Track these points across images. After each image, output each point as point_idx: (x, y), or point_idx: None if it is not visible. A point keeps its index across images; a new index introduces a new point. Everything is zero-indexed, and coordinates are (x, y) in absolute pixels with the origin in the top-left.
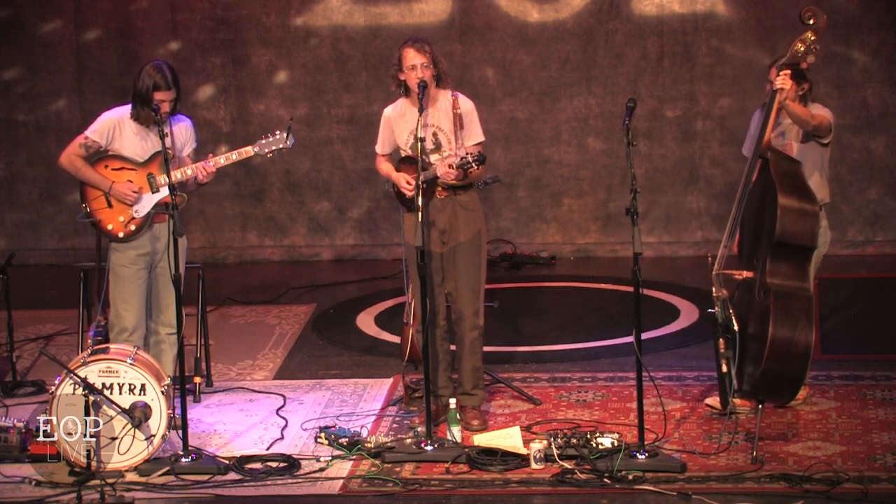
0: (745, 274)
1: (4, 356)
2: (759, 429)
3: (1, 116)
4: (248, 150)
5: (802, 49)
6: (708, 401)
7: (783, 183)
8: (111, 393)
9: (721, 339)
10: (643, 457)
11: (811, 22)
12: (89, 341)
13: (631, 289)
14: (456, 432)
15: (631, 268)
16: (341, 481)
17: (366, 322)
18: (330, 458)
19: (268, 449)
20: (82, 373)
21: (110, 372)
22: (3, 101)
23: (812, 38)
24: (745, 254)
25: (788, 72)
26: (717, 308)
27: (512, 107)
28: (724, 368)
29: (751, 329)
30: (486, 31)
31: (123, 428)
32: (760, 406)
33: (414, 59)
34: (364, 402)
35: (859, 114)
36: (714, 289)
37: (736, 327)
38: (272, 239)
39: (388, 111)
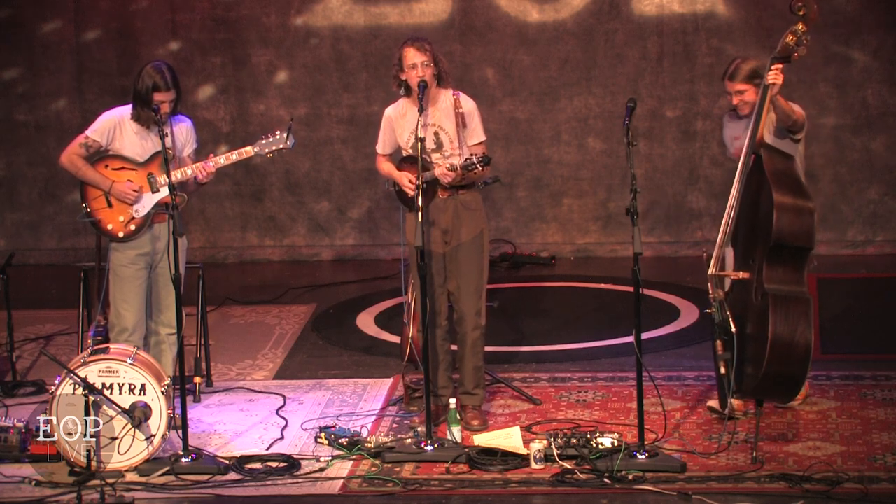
0: (742, 275)
1: (4, 356)
2: (759, 429)
3: (1, 116)
4: (249, 151)
5: (794, 41)
6: (710, 403)
7: (777, 181)
8: (111, 393)
9: (719, 341)
10: (643, 457)
11: (801, 13)
12: (89, 341)
13: (631, 289)
14: (456, 432)
15: (631, 268)
16: (341, 481)
17: (366, 322)
18: (330, 458)
19: (268, 449)
20: (82, 373)
21: (110, 372)
22: (3, 101)
23: (803, 29)
24: (739, 253)
25: (780, 66)
26: (713, 309)
27: (512, 107)
28: (723, 371)
29: (749, 329)
30: (486, 31)
31: (123, 428)
32: (760, 407)
33: (414, 57)
34: (364, 402)
35: (859, 114)
36: (710, 289)
37: (734, 329)
38: (272, 239)
39: (390, 111)
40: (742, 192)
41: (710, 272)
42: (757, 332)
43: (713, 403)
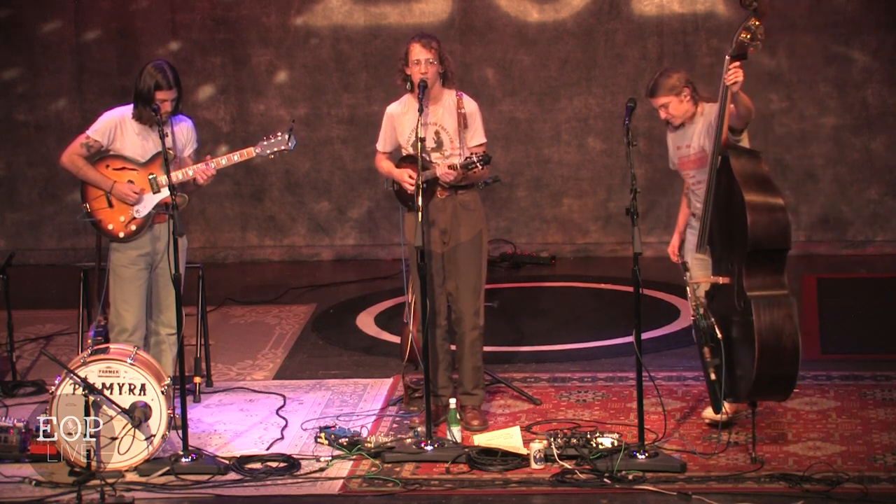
0: (722, 280)
1: (4, 356)
2: (757, 429)
3: (1, 116)
4: (250, 152)
5: (748, 37)
6: (706, 415)
7: (746, 182)
8: (111, 393)
9: (706, 348)
10: (643, 457)
11: (753, 7)
12: (89, 341)
13: (631, 289)
14: (456, 432)
15: (631, 268)
16: (341, 481)
17: (366, 322)
18: (330, 458)
19: (268, 449)
20: (82, 373)
21: (110, 372)
22: (3, 101)
23: (756, 23)
24: (717, 257)
25: (738, 63)
26: (694, 315)
27: (512, 107)
28: (713, 377)
29: (735, 333)
30: (486, 31)
31: (123, 428)
32: (755, 407)
33: (419, 54)
34: (364, 402)
35: (859, 114)
36: (691, 297)
37: (719, 335)
38: (272, 239)
39: (392, 107)
40: (713, 194)
41: (686, 279)
42: (743, 336)
43: (708, 415)
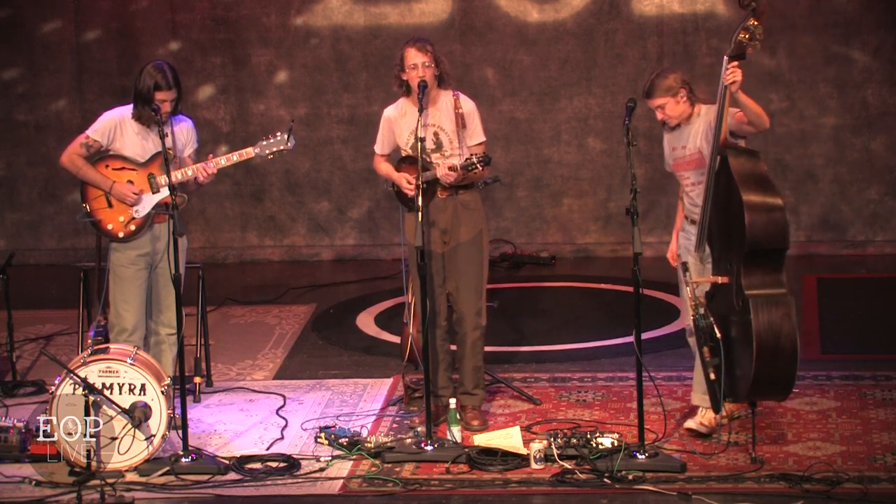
0: (721, 279)
1: (4, 356)
2: (757, 429)
3: (1, 116)
4: (249, 152)
5: (747, 37)
6: (688, 424)
7: (745, 182)
8: (111, 393)
9: (706, 347)
10: (643, 457)
11: (752, 7)
12: (89, 341)
13: (631, 289)
14: (456, 432)
15: (631, 268)
16: (341, 481)
17: (366, 322)
18: (330, 458)
19: (268, 449)
20: (82, 373)
21: (110, 372)
22: (3, 101)
23: (754, 23)
24: (716, 256)
25: (736, 63)
26: (693, 314)
27: (512, 107)
28: (713, 377)
29: (733, 333)
30: (486, 31)
31: (123, 428)
32: (754, 407)
33: (415, 58)
34: (364, 402)
35: (859, 114)
36: (690, 297)
37: (718, 335)
38: (272, 239)
39: (389, 111)
40: (712, 194)
41: (686, 279)
42: (742, 336)
43: (691, 424)
